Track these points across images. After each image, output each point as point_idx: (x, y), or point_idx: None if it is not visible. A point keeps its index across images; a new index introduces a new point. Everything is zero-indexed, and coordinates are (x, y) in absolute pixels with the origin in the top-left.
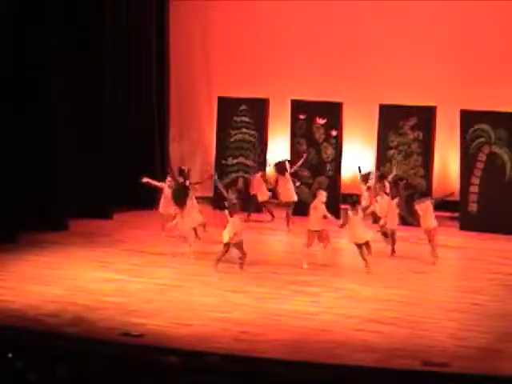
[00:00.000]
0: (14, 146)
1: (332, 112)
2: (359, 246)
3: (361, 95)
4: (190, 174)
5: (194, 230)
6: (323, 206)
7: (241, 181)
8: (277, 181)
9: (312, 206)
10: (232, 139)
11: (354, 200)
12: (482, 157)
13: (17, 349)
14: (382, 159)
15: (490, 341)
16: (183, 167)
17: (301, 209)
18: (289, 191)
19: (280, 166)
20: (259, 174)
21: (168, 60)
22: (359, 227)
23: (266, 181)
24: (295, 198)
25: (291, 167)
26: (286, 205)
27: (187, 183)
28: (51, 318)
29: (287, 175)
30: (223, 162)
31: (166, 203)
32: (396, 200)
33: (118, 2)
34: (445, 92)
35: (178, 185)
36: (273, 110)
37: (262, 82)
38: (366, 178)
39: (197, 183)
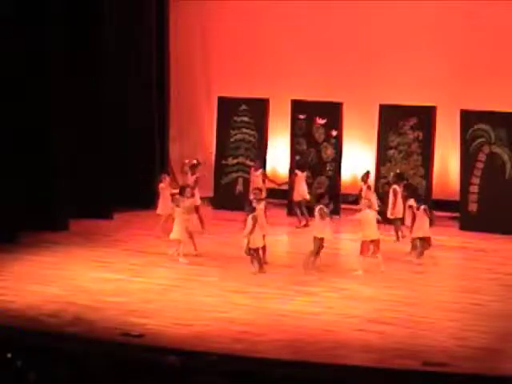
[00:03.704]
0: (15, 146)
1: (332, 112)
2: (422, 239)
3: (361, 95)
4: (196, 169)
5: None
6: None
7: (240, 181)
8: (294, 178)
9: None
10: (232, 139)
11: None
12: (482, 157)
13: (17, 349)
14: (382, 159)
15: (491, 341)
16: (195, 161)
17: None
18: (303, 190)
19: (302, 163)
20: (260, 172)
21: (168, 60)
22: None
23: (266, 180)
24: (308, 196)
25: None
26: (300, 203)
27: (194, 178)
28: (51, 318)
29: (305, 173)
30: (223, 162)
31: (164, 203)
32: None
33: (118, 2)
34: (445, 92)
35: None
36: (273, 110)
37: (262, 81)
38: (365, 177)
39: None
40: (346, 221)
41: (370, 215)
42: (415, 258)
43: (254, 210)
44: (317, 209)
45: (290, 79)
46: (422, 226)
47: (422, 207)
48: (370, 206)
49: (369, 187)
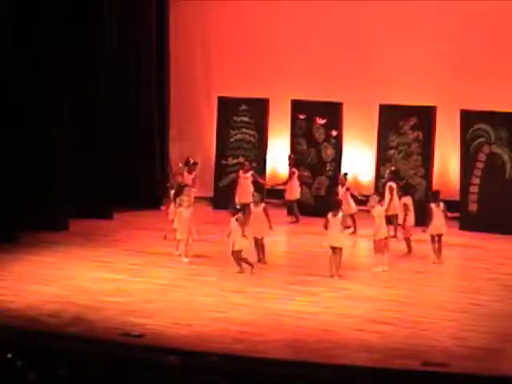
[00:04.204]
0: (15, 146)
1: (332, 112)
2: (433, 237)
3: (361, 95)
4: (194, 167)
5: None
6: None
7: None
8: (291, 176)
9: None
10: (232, 139)
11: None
12: (482, 157)
13: (17, 349)
14: (382, 159)
15: (490, 341)
16: (190, 159)
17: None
18: (297, 189)
19: (297, 161)
20: (250, 173)
21: (168, 60)
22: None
23: (257, 181)
24: (299, 195)
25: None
26: (293, 202)
27: (192, 177)
28: (51, 318)
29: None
30: (223, 161)
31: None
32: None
33: (118, 2)
34: (445, 92)
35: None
36: (273, 110)
37: (262, 82)
38: (343, 180)
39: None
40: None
41: (381, 212)
42: (435, 257)
43: (238, 211)
44: (337, 217)
45: (290, 79)
46: (440, 224)
47: (442, 205)
48: (379, 202)
49: (348, 189)
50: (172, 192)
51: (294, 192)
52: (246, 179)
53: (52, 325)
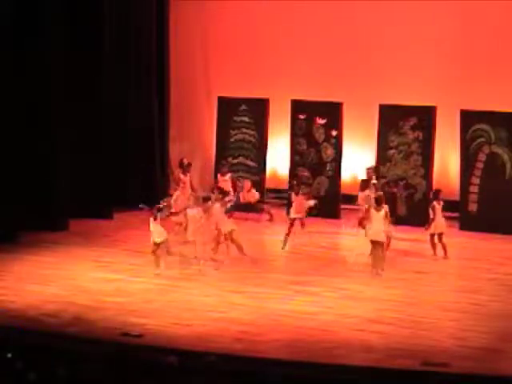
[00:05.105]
0: (15, 146)
1: (332, 112)
2: (433, 235)
3: (361, 95)
4: (189, 168)
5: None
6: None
7: (241, 181)
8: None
9: None
10: (232, 139)
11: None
12: (482, 157)
13: (17, 349)
14: (382, 159)
15: (490, 341)
16: (184, 160)
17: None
18: (254, 192)
19: None
20: (228, 176)
21: (168, 60)
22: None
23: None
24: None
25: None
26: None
27: (187, 178)
28: (51, 318)
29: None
30: (223, 162)
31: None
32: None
33: (118, 2)
34: (445, 92)
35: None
36: (273, 110)
37: (262, 82)
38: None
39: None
40: (349, 220)
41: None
42: (434, 253)
43: (160, 210)
44: (380, 213)
45: (290, 79)
46: (441, 223)
47: (441, 204)
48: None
49: (296, 193)
50: (177, 194)
51: (252, 195)
52: (225, 182)
53: (52, 325)
